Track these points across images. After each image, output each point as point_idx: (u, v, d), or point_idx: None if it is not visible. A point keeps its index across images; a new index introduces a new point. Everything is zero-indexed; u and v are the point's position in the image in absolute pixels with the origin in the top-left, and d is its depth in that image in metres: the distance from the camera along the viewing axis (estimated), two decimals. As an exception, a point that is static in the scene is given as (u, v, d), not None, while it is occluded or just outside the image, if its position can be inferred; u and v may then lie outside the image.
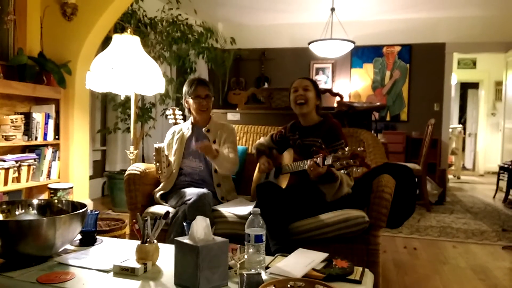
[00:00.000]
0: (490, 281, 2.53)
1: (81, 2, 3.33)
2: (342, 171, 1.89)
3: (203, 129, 2.50)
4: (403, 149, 5.85)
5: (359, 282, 1.37)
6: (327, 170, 1.97)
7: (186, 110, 2.57)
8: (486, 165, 8.60)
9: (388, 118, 6.41)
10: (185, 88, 2.49)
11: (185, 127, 2.55)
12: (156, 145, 2.32)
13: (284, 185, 2.21)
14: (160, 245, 1.55)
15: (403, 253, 3.07)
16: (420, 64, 6.31)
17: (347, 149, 1.84)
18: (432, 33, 6.19)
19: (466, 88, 9.43)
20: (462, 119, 9.58)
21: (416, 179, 4.46)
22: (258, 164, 2.56)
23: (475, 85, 9.03)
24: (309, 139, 2.28)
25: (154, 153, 2.32)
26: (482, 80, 8.64)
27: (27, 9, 3.20)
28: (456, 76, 7.91)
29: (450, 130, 6.70)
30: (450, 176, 7.33)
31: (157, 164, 2.31)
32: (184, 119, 2.97)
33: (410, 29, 6.25)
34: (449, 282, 2.51)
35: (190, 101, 2.45)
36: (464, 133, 8.91)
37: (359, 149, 1.82)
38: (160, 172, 2.33)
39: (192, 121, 2.55)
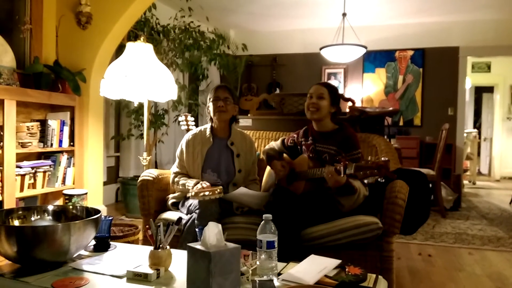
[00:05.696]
0: (507, 289, 2.49)
1: (96, 11, 3.39)
2: (365, 180, 1.84)
3: (228, 142, 2.42)
4: (417, 155, 5.78)
5: (372, 289, 1.36)
6: (346, 181, 1.93)
7: (207, 118, 2.48)
8: (502, 170, 8.46)
9: (401, 123, 6.36)
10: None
11: (204, 136, 2.44)
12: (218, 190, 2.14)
13: (298, 191, 2.19)
14: (173, 251, 1.55)
15: (417, 260, 3.03)
16: (433, 68, 6.24)
17: (370, 157, 1.79)
18: (445, 37, 6.13)
19: (480, 92, 9.30)
20: (477, 124, 9.44)
21: (431, 185, 4.44)
22: (268, 169, 2.55)
23: (490, 89, 8.91)
24: (322, 146, 2.25)
25: (211, 192, 2.12)
26: (497, 84, 8.52)
27: (43, 19, 3.26)
28: (470, 80, 7.81)
29: (465, 134, 6.61)
30: (465, 182, 7.22)
31: (206, 195, 2.11)
32: (196, 125, 2.98)
33: (423, 33, 6.20)
34: (465, 289, 2.47)
35: (210, 104, 2.40)
36: (479, 138, 8.78)
37: (382, 159, 1.78)
38: (200, 196, 2.11)
39: (212, 129, 2.45)
